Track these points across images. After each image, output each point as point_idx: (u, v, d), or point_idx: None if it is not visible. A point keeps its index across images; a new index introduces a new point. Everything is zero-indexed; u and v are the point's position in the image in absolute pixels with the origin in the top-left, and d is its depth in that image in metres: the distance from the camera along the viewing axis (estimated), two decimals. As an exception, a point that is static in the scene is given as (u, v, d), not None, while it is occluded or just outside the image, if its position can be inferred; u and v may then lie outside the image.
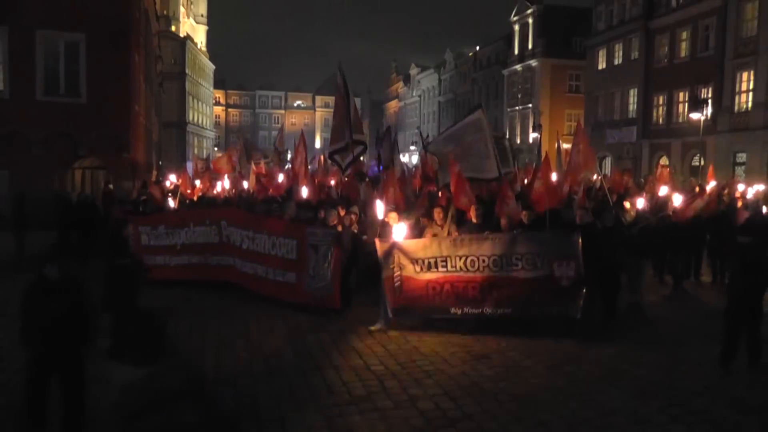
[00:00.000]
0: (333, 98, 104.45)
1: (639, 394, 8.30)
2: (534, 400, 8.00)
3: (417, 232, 11.89)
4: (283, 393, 8.19)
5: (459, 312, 10.72)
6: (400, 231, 11.24)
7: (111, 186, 20.90)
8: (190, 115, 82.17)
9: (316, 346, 10.21)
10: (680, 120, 41.20)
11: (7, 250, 17.21)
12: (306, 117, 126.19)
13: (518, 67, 63.79)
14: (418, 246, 11.05)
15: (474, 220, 11.78)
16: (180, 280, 14.06)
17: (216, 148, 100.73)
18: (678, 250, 15.16)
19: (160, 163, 49.84)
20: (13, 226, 17.06)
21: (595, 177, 19.73)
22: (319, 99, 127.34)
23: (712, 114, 36.68)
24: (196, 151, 78.51)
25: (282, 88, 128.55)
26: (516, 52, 64.71)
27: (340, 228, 12.25)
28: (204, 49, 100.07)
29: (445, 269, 10.77)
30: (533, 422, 7.41)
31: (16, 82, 23.49)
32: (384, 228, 11.87)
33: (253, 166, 21.08)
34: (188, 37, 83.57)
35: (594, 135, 44.69)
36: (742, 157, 36.20)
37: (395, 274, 10.95)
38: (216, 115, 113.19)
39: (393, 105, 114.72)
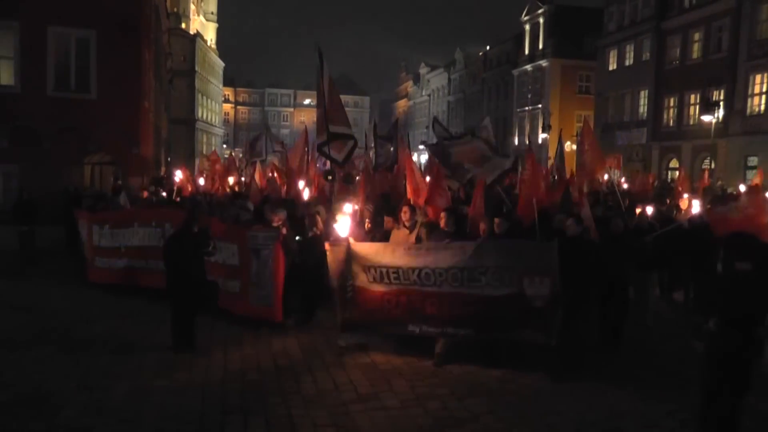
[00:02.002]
0: (343, 97, 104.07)
1: (647, 397, 8.26)
2: (541, 402, 7.96)
3: (380, 235, 10.79)
4: (290, 390, 8.18)
5: (417, 330, 9.23)
6: (343, 227, 9.92)
7: (119, 181, 20.92)
8: (199, 112, 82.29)
9: (324, 344, 10.22)
10: (691, 122, 40.93)
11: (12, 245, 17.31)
12: (315, 115, 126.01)
13: (528, 67, 63.57)
14: (369, 251, 9.58)
15: (444, 226, 9.94)
16: (125, 285, 13.40)
17: (225, 146, 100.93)
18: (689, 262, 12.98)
19: (169, 159, 49.92)
20: (14, 222, 17.05)
21: (605, 178, 19.54)
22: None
23: (724, 116, 36.42)
24: (204, 148, 78.64)
25: (291, 86, 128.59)
26: (526, 52, 64.48)
27: (284, 230, 10.91)
28: (214, 46, 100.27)
29: (398, 282, 9.26)
30: (540, 424, 7.38)
31: (27, 77, 23.57)
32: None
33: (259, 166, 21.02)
34: (198, 35, 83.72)
35: (604, 136, 44.53)
36: (753, 161, 35.91)
37: (347, 284, 9.63)
38: (225, 113, 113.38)
39: (402, 104, 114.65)
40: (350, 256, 9.52)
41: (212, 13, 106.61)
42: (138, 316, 11.72)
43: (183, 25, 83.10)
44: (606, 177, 23.81)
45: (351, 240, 9.61)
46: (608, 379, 8.84)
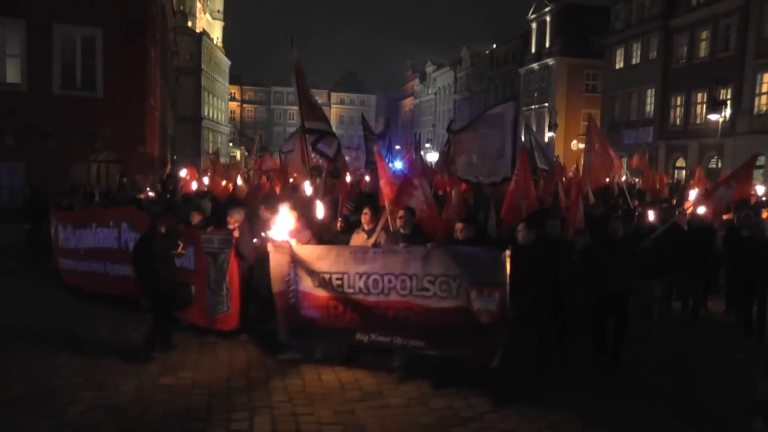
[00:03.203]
0: (349, 95, 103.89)
1: (653, 397, 8.24)
2: (546, 402, 7.93)
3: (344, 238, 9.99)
4: (295, 388, 8.18)
5: (365, 339, 8.64)
6: (282, 227, 9.20)
7: (125, 179, 20.91)
8: (206, 111, 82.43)
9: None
10: (698, 121, 40.80)
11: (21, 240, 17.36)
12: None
13: (535, 65, 63.51)
14: (313, 254, 8.91)
15: (401, 229, 9.12)
16: (88, 290, 12.77)
17: (231, 144, 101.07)
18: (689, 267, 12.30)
19: (175, 157, 49.93)
20: (22, 219, 17.07)
21: (623, 178, 19.19)
22: (334, 96, 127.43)
23: (731, 115, 36.27)
24: (210, 146, 78.78)
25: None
26: (533, 50, 64.39)
27: (237, 233, 10.18)
28: (220, 44, 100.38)
29: (341, 288, 8.60)
30: (545, 423, 7.36)
31: (33, 75, 23.59)
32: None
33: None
34: (204, 33, 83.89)
35: (610, 135, 44.37)
36: (761, 160, 35.73)
37: (290, 289, 9.02)
38: (231, 111, 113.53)
39: (408, 102, 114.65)
40: (294, 259, 8.92)
41: (218, 11, 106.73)
42: (142, 314, 11.69)
43: (189, 24, 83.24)
44: (623, 178, 23.63)
45: (293, 242, 8.98)
46: (613, 378, 8.84)
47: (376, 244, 9.17)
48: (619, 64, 50.24)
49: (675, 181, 33.60)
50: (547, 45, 61.49)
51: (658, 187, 20.55)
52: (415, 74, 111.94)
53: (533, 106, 63.24)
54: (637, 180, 25.11)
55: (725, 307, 12.78)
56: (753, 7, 36.04)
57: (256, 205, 11.70)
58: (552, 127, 54.68)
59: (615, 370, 9.13)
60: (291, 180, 16.78)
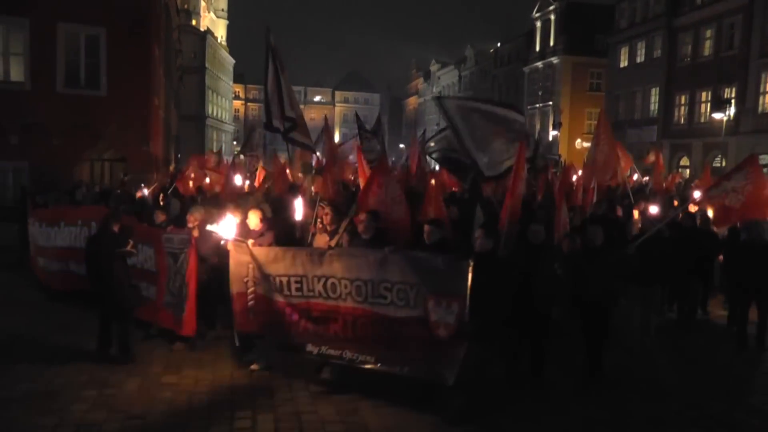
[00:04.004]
0: (353, 94, 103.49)
1: (656, 396, 8.24)
2: (549, 400, 7.94)
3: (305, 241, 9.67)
4: (298, 387, 8.19)
5: (315, 351, 8.10)
6: (227, 227, 8.72)
7: (127, 178, 20.93)
8: (210, 109, 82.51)
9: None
10: (702, 120, 40.69)
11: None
12: (325, 112, 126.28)
13: (539, 64, 63.42)
14: (269, 256, 8.51)
15: (361, 231, 8.66)
16: (57, 288, 12.60)
17: (235, 142, 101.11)
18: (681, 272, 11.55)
19: (179, 156, 50.01)
20: (14, 218, 16.94)
21: (634, 177, 18.66)
22: (338, 94, 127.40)
23: (735, 114, 36.19)
24: (214, 145, 78.84)
25: (301, 83, 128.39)
26: (537, 49, 64.32)
27: (196, 232, 9.77)
28: (224, 43, 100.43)
29: (300, 292, 8.23)
30: (549, 422, 7.37)
31: (37, 74, 23.59)
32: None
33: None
34: (208, 31, 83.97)
35: (614, 134, 44.25)
36: (764, 159, 35.61)
37: (248, 290, 8.63)
38: (235, 109, 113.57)
39: (412, 101, 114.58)
40: (252, 260, 8.56)
41: (222, 9, 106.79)
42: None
43: (193, 22, 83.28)
44: (634, 176, 23.42)
45: (250, 243, 8.64)
46: (616, 378, 8.82)
47: (334, 246, 8.78)
48: (624, 63, 50.14)
49: (685, 180, 33.50)
50: (552, 43, 61.41)
51: (665, 186, 20.41)
52: (420, 73, 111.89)
53: (537, 105, 63.15)
54: (646, 179, 24.83)
55: (727, 319, 11.87)
56: (757, 6, 35.93)
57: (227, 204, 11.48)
58: (556, 126, 54.64)
59: (598, 384, 8.51)
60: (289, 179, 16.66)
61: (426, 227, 8.30)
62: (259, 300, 8.55)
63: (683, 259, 10.97)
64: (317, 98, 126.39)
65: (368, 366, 7.70)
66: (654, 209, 11.99)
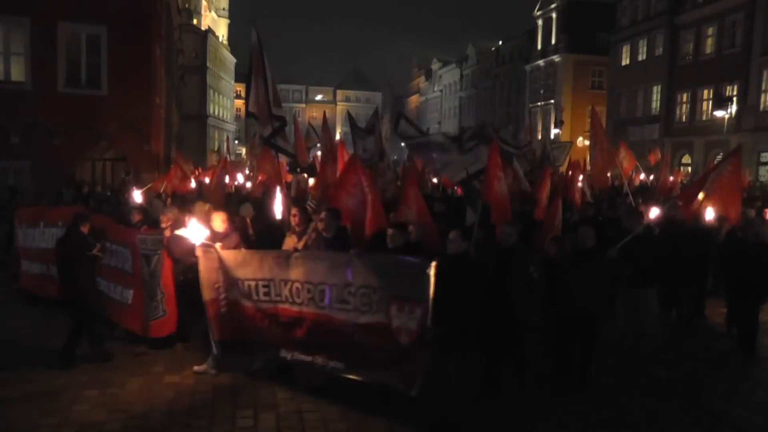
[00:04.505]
0: (355, 92, 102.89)
1: (658, 394, 8.23)
2: (553, 400, 7.92)
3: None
4: (300, 385, 8.17)
5: (289, 356, 7.99)
6: (194, 230, 8.52)
7: (128, 177, 20.94)
8: (211, 108, 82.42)
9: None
10: (704, 118, 40.70)
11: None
12: (327, 111, 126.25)
13: (541, 62, 63.42)
14: (237, 260, 8.32)
15: (323, 231, 8.45)
16: (35, 293, 12.16)
17: (237, 141, 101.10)
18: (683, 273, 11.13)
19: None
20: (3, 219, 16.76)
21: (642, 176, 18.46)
22: (340, 93, 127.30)
23: (737, 112, 36.17)
24: (216, 144, 78.80)
25: (303, 81, 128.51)
26: (539, 47, 64.32)
27: (168, 233, 9.54)
28: (225, 42, 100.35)
29: (268, 297, 8.02)
30: (553, 420, 7.35)
31: (38, 73, 23.58)
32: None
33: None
34: (210, 31, 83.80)
35: (616, 132, 44.32)
36: (766, 156, 35.68)
37: (221, 296, 8.40)
38: (237, 109, 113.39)
39: (414, 100, 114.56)
40: (222, 264, 8.35)
41: (224, 9, 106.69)
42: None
43: (194, 21, 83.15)
44: (641, 176, 23.34)
45: (218, 246, 8.44)
46: (619, 376, 8.81)
47: (299, 248, 8.52)
48: (625, 61, 50.13)
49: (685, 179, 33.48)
50: (553, 42, 61.42)
51: (669, 186, 20.34)
52: (421, 71, 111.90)
53: (539, 103, 63.15)
54: (651, 178, 24.73)
55: (726, 322, 11.24)
56: (759, 4, 35.93)
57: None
58: (558, 124, 54.61)
59: (583, 393, 8.14)
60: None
61: (389, 231, 8.05)
62: (231, 306, 8.34)
63: (678, 259, 10.66)
64: (319, 97, 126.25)
65: (339, 373, 7.54)
66: (655, 211, 11.59)
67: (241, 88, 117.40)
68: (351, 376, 7.46)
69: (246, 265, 8.18)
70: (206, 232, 8.61)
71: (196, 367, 8.68)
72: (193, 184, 19.97)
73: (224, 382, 8.37)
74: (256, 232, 10.99)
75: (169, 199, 15.31)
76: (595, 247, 8.29)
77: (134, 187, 16.65)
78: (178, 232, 8.93)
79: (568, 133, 55.80)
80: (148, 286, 9.37)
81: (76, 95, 23.76)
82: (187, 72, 66.63)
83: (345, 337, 7.42)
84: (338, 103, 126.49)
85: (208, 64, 79.75)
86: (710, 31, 40.54)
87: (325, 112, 19.74)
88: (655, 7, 45.99)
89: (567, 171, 17.18)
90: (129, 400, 7.76)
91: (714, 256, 11.37)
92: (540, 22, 64.44)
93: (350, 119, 19.89)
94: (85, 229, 9.40)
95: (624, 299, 9.71)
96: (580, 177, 16.08)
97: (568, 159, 22.65)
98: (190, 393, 8.00)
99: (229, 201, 14.69)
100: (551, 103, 60.79)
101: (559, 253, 8.65)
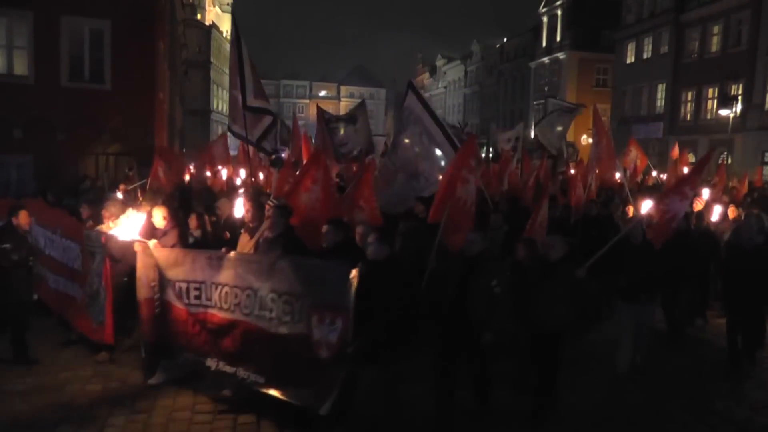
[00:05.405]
0: (359, 89, 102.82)
1: (662, 392, 8.23)
2: (557, 396, 7.89)
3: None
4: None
5: (214, 366, 7.43)
6: (128, 228, 8.03)
7: (131, 172, 20.91)
8: (215, 103, 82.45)
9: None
10: (708, 116, 40.58)
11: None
12: (330, 107, 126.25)
13: (545, 59, 63.33)
14: (170, 259, 7.84)
15: (267, 228, 7.88)
16: None
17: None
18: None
19: (184, 150, 50.04)
20: None
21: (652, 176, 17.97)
22: (344, 89, 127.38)
23: (742, 111, 36.07)
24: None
25: (307, 77, 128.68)
26: (544, 44, 64.25)
27: (106, 229, 8.90)
28: (229, 37, 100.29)
29: (198, 300, 7.52)
30: (556, 418, 7.35)
31: (41, 68, 23.54)
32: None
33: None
34: (214, 26, 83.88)
35: (620, 130, 44.23)
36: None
37: (155, 296, 7.89)
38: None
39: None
40: (157, 263, 7.87)
41: (228, 3, 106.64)
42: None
43: (198, 16, 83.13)
44: (653, 173, 23.08)
45: (152, 244, 7.99)
46: (623, 374, 8.77)
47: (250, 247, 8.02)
48: (630, 59, 49.98)
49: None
50: (558, 39, 61.33)
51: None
52: (425, 68, 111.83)
53: (543, 101, 62.97)
54: (663, 176, 24.45)
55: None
56: (765, 2, 35.72)
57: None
58: (562, 121, 54.50)
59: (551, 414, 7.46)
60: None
61: (324, 227, 7.48)
62: (165, 307, 7.87)
63: (677, 263, 9.81)
64: (322, 93, 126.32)
65: (258, 388, 7.01)
66: (647, 204, 10.00)
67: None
68: (269, 392, 6.88)
69: (179, 265, 7.72)
70: (139, 229, 8.12)
71: (149, 380, 8.04)
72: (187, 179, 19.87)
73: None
74: (217, 231, 10.46)
75: (139, 193, 14.93)
76: (565, 259, 7.55)
77: (137, 183, 16.63)
78: (113, 229, 8.42)
79: (573, 131, 55.62)
80: (89, 287, 8.87)
81: (79, 90, 23.72)
82: (190, 67, 66.69)
83: (266, 349, 6.90)
84: (342, 99, 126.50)
85: (211, 59, 79.78)
86: (716, 29, 40.36)
87: (318, 106, 19.10)
88: (660, 5, 45.82)
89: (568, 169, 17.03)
90: (131, 395, 7.74)
91: (717, 260, 10.85)
92: (545, 19, 64.34)
93: (325, 114, 18.41)
94: (21, 222, 9.01)
95: (621, 311, 9.01)
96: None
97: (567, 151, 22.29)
98: (192, 389, 7.90)
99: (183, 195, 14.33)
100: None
101: (529, 259, 7.95)
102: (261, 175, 18.46)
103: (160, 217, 8.91)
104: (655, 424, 7.42)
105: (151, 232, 8.47)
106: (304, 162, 12.85)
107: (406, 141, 11.50)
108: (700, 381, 8.87)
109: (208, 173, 20.13)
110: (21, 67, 23.67)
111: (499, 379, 7.69)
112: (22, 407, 7.34)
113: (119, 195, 13.81)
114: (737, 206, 14.30)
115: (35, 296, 9.83)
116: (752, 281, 8.83)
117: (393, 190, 11.24)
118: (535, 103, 64.42)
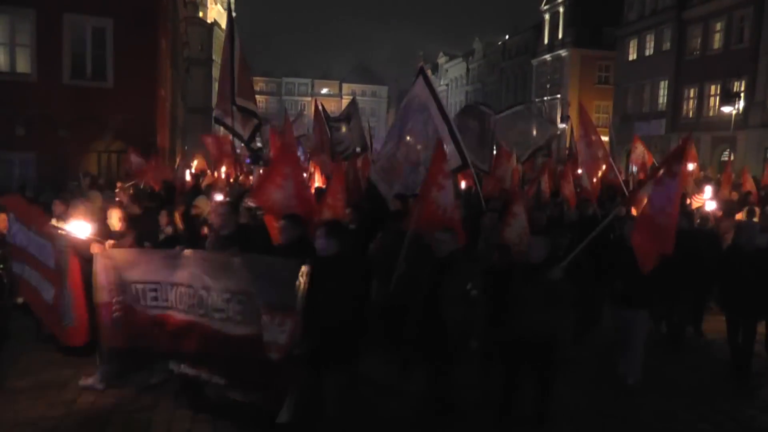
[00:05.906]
0: (361, 86, 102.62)
1: (666, 391, 8.22)
2: (561, 395, 7.88)
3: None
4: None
5: (177, 369, 7.24)
6: (77, 227, 7.83)
7: (131, 170, 20.90)
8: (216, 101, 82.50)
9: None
10: (710, 114, 40.51)
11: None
12: (332, 104, 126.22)
13: (547, 57, 63.27)
14: (126, 259, 7.55)
15: (218, 227, 7.81)
16: None
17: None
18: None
19: (185, 148, 50.08)
20: None
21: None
22: (346, 86, 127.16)
23: (744, 108, 36.01)
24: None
25: (309, 75, 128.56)
26: (545, 41, 64.19)
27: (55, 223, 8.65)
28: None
29: (155, 302, 7.27)
30: (559, 417, 7.32)
31: (43, 65, 23.57)
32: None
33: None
34: (215, 23, 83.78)
35: (622, 127, 44.16)
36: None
37: (114, 300, 7.54)
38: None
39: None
40: (114, 264, 7.56)
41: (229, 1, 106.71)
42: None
43: (200, 14, 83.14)
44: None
45: (107, 244, 7.74)
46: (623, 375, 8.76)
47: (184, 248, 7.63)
48: (632, 56, 49.92)
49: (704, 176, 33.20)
50: (560, 36, 61.26)
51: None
52: (428, 65, 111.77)
53: (545, 98, 63.02)
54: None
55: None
56: (768, -1, 35.66)
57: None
58: (564, 119, 54.48)
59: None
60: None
61: (280, 222, 7.20)
62: (126, 309, 7.52)
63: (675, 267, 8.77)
64: (324, 90, 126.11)
65: (221, 390, 6.96)
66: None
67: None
68: (231, 395, 6.83)
69: (135, 266, 7.44)
70: (89, 228, 7.89)
71: (81, 381, 7.91)
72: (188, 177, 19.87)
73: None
74: (195, 227, 10.28)
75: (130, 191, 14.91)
76: (547, 263, 7.04)
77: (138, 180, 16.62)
78: (64, 226, 8.14)
79: (573, 129, 55.70)
80: (61, 286, 8.33)
81: (81, 87, 23.75)
82: (192, 65, 66.73)
83: (223, 350, 6.73)
84: (344, 96, 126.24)
85: (213, 57, 79.64)
86: (718, 26, 40.29)
87: (316, 103, 18.90)
88: (662, 2, 45.72)
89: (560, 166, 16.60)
90: (134, 393, 7.74)
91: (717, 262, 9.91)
92: (547, 16, 64.26)
93: (324, 112, 18.27)
94: None
95: (615, 320, 8.79)
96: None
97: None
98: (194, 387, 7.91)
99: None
100: (557, 98, 60.62)
101: (503, 262, 7.68)
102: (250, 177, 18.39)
103: (116, 218, 8.72)
104: (658, 422, 7.41)
105: (106, 233, 8.28)
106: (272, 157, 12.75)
107: (408, 131, 11.41)
108: (704, 380, 8.87)
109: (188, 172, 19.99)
110: (23, 64, 23.71)
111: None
112: (24, 405, 7.34)
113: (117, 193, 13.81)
114: (746, 205, 14.05)
115: (20, 299, 9.54)
116: (750, 283, 8.53)
117: (405, 173, 11.05)
118: (537, 100, 64.41)
